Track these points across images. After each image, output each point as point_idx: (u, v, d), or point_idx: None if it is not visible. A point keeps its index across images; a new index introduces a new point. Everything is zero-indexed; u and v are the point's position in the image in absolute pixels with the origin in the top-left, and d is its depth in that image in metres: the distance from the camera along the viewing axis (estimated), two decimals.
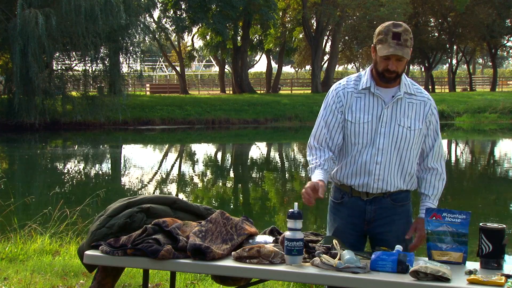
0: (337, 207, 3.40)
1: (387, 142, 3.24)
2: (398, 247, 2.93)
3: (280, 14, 45.27)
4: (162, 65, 64.59)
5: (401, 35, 3.12)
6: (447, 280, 2.69)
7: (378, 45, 3.18)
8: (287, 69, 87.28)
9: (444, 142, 23.46)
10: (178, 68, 47.59)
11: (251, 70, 72.49)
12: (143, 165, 18.40)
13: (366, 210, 3.29)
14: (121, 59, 30.12)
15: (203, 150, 23.47)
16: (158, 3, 38.05)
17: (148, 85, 51.82)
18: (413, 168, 3.32)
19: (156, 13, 40.55)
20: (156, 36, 40.81)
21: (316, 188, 3.05)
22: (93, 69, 30.31)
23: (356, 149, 3.26)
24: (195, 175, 16.54)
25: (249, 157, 21.53)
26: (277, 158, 21.63)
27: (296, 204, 2.97)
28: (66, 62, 31.63)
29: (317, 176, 3.18)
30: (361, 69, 71.21)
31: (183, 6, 40.06)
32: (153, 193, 12.78)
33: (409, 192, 3.36)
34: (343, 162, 3.32)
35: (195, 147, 24.54)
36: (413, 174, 3.34)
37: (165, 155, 22.37)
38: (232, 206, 11.79)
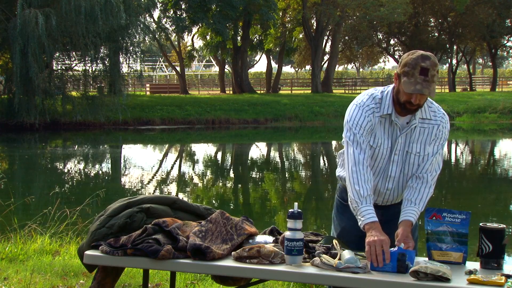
0: (344, 208, 3.38)
1: (398, 170, 3.23)
2: (400, 245, 2.92)
3: (280, 14, 45.26)
4: (162, 65, 64.61)
5: (429, 71, 2.99)
6: (447, 280, 2.69)
7: (404, 78, 3.04)
8: (287, 69, 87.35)
9: (444, 146, 23.39)
10: (178, 68, 47.59)
11: (251, 70, 72.50)
12: (143, 165, 18.40)
13: None
14: (121, 59, 30.12)
15: (203, 150, 23.47)
16: (158, 3, 38.03)
17: (148, 85, 51.81)
18: None
19: (156, 13, 40.61)
20: (156, 36, 40.81)
21: (384, 246, 2.89)
22: (93, 69, 30.31)
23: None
24: (195, 175, 16.54)
25: (249, 157, 21.52)
26: (277, 158, 21.62)
27: (296, 204, 2.97)
28: (66, 62, 31.62)
29: (371, 214, 3.05)
30: (361, 69, 71.21)
31: (183, 6, 40.05)
32: (153, 193, 12.78)
33: None
34: None
35: (195, 147, 24.53)
36: None
37: (165, 155, 22.36)
38: (232, 206, 11.79)
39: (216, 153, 23.16)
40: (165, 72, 66.38)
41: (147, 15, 34.07)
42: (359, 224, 3.09)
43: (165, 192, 13.20)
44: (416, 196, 3.16)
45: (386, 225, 3.28)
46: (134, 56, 30.92)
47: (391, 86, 3.22)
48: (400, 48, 52.50)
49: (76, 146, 24.53)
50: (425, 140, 3.21)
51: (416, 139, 3.20)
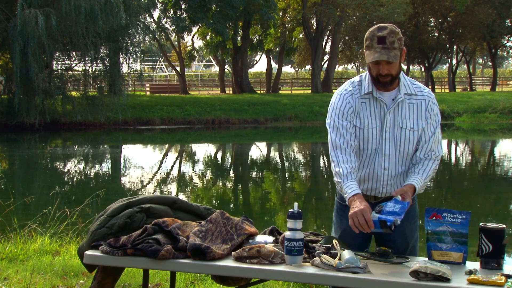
0: (343, 209, 3.38)
1: (392, 147, 3.24)
2: (397, 196, 3.06)
3: (280, 14, 45.27)
4: (162, 65, 64.60)
5: (386, 39, 3.09)
6: (447, 280, 2.69)
7: (366, 51, 3.16)
8: (287, 69, 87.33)
9: (444, 142, 23.47)
10: (178, 68, 47.60)
11: (251, 70, 72.50)
12: (143, 165, 18.40)
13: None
14: (121, 59, 30.12)
15: (203, 150, 23.47)
16: (158, 3, 38.05)
17: (148, 85, 51.81)
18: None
19: (156, 13, 40.63)
20: (156, 36, 40.82)
21: (365, 214, 3.00)
22: (93, 69, 30.31)
23: (365, 155, 3.26)
24: (195, 175, 16.54)
25: (249, 157, 21.53)
26: (277, 158, 21.63)
27: (296, 204, 2.97)
28: (66, 62, 31.62)
29: (353, 188, 3.13)
30: (361, 69, 71.35)
31: (183, 6, 40.05)
32: (153, 193, 12.78)
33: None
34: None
35: (195, 147, 24.53)
36: None
37: (165, 155, 22.37)
38: (232, 206, 11.79)
39: (216, 153, 23.16)
40: (165, 72, 66.37)
41: (147, 15, 34.10)
42: (346, 202, 3.17)
43: (165, 192, 13.20)
44: (420, 168, 3.23)
45: None
46: (134, 56, 30.93)
47: None
48: None
49: (76, 146, 24.53)
50: (416, 116, 3.25)
51: (406, 115, 3.24)
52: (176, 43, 47.29)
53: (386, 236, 3.26)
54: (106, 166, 18.79)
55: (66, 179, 15.75)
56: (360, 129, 3.23)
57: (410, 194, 3.14)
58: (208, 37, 43.87)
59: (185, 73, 50.95)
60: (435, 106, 3.30)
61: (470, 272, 2.81)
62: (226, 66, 52.52)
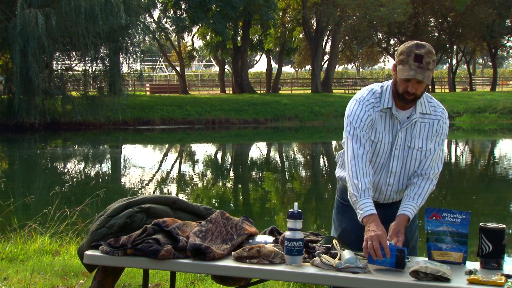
0: (344, 208, 3.39)
1: (400, 165, 3.23)
2: (390, 242, 2.93)
3: (280, 14, 45.26)
4: (162, 65, 64.59)
5: (423, 58, 3.02)
6: (447, 280, 2.69)
7: (399, 66, 3.08)
8: (287, 69, 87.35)
9: (444, 142, 23.39)
10: (178, 68, 47.59)
11: (251, 70, 72.49)
12: (143, 165, 18.40)
13: None
14: (121, 59, 30.10)
15: (203, 150, 23.47)
16: (158, 3, 38.05)
17: (148, 85, 51.80)
18: None
19: (156, 13, 40.62)
20: (156, 36, 40.79)
21: (382, 240, 2.91)
22: (93, 69, 30.31)
23: (372, 167, 3.24)
24: (195, 175, 16.54)
25: (249, 157, 21.52)
26: (277, 158, 21.62)
27: (296, 204, 2.97)
28: (66, 62, 31.62)
29: (370, 207, 3.06)
30: (361, 69, 71.28)
31: (183, 6, 40.05)
32: (153, 193, 12.78)
33: None
34: None
35: (195, 147, 24.53)
36: None
37: (165, 155, 22.37)
38: (232, 206, 11.79)
39: (216, 153, 23.16)
40: (165, 72, 66.37)
41: (147, 15, 34.09)
42: (358, 217, 3.09)
43: (165, 192, 13.20)
44: (416, 191, 3.18)
45: (387, 225, 3.28)
46: (134, 56, 30.93)
47: (391, 81, 3.24)
48: None
49: (76, 146, 24.53)
50: (426, 135, 3.22)
51: (417, 134, 3.21)
52: (176, 43, 47.28)
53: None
54: (106, 166, 18.79)
55: (66, 179, 15.74)
56: (374, 142, 3.19)
57: (403, 227, 3.07)
58: (208, 37, 43.86)
59: (185, 73, 50.94)
60: (445, 126, 3.26)
61: (470, 272, 2.81)
62: (226, 66, 52.51)
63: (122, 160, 20.36)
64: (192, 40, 49.10)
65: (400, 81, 3.09)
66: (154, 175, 16.13)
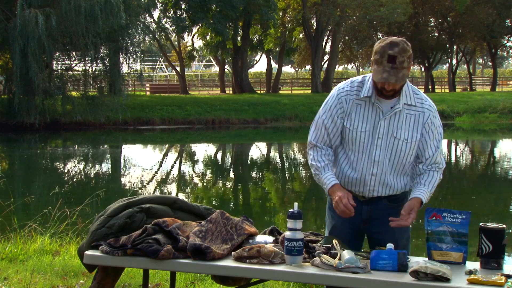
0: None
1: (383, 155, 3.22)
2: (390, 245, 2.92)
3: (280, 14, 45.26)
4: (162, 65, 64.58)
5: (396, 58, 3.02)
6: (447, 280, 2.69)
7: (374, 66, 3.11)
8: (287, 69, 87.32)
9: (444, 142, 23.46)
10: (178, 68, 47.59)
11: (251, 70, 72.47)
12: (143, 165, 18.39)
13: (362, 210, 3.29)
14: (121, 59, 30.11)
15: (203, 150, 23.47)
16: (158, 3, 38.03)
17: (148, 85, 51.77)
18: (407, 172, 3.32)
19: (156, 13, 40.60)
20: (156, 36, 40.80)
21: (344, 200, 3.13)
22: (93, 69, 30.31)
23: (353, 156, 3.26)
24: (195, 175, 16.54)
25: (249, 157, 21.53)
26: (277, 158, 21.63)
27: (296, 204, 2.97)
28: (66, 62, 31.62)
29: (331, 179, 3.24)
30: (361, 69, 71.34)
31: (183, 6, 40.05)
32: (153, 193, 12.77)
33: (406, 192, 3.35)
34: (341, 167, 3.31)
35: (195, 147, 24.53)
36: (408, 175, 3.33)
37: (165, 155, 22.37)
38: (232, 206, 11.79)
39: (216, 153, 23.16)
40: (165, 72, 66.36)
41: (147, 15, 34.08)
42: (325, 191, 3.26)
43: (165, 192, 13.20)
44: (426, 179, 3.24)
45: (374, 222, 3.31)
46: (134, 56, 30.93)
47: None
48: None
49: (76, 146, 24.53)
50: (412, 127, 3.21)
51: (402, 125, 3.21)
52: (176, 43, 47.29)
53: (378, 235, 3.29)
54: (106, 166, 18.79)
55: (66, 179, 15.74)
56: (350, 130, 3.23)
57: (417, 209, 3.15)
58: (208, 37, 43.85)
59: (185, 73, 50.94)
60: (436, 120, 3.25)
61: (470, 272, 2.81)
62: (226, 66, 52.50)
63: (122, 160, 20.36)
64: (192, 40, 49.13)
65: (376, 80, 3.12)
66: (154, 175, 16.13)
